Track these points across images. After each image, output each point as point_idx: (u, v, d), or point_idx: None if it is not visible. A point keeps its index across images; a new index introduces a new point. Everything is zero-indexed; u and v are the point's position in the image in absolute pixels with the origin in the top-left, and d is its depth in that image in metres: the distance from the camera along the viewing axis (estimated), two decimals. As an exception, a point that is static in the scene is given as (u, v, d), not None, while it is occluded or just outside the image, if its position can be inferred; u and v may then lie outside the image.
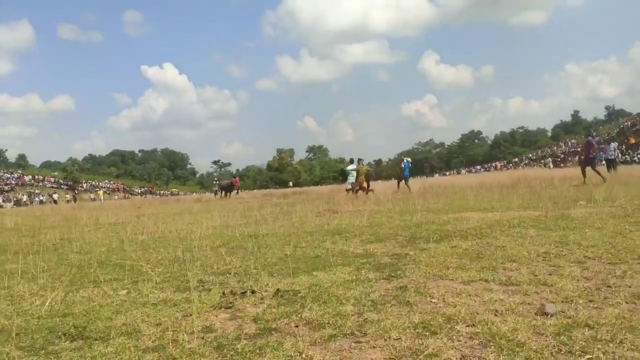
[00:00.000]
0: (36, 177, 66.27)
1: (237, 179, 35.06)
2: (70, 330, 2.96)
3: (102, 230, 10.52)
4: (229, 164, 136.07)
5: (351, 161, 20.27)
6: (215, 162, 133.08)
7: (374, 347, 2.41)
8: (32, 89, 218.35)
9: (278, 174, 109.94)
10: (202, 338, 2.72)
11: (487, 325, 2.60)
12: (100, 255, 6.41)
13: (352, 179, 19.14)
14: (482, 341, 2.39)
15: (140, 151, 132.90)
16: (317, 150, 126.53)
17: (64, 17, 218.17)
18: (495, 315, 2.79)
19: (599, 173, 15.07)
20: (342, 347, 2.44)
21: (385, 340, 2.49)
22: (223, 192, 32.73)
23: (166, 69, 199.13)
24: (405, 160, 21.12)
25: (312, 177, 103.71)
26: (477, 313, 2.81)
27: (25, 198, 51.19)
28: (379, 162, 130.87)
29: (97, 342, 2.79)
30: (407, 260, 4.66)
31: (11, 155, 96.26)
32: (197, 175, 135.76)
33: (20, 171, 69.64)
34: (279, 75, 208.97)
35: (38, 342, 2.82)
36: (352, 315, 2.94)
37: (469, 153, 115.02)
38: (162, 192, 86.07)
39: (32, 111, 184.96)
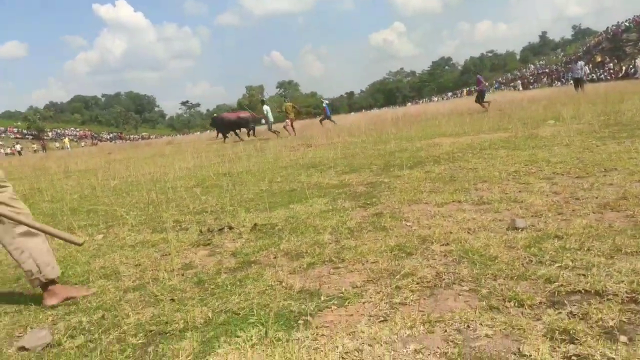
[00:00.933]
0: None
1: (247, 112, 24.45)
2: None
3: (72, 178, 10.27)
4: (199, 105, 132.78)
5: (262, 102, 21.57)
6: (184, 103, 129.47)
7: (352, 272, 2.46)
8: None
9: (251, 111, 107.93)
10: (182, 275, 2.73)
11: (460, 243, 2.68)
12: (72, 202, 6.30)
13: (271, 118, 20.37)
14: (455, 258, 2.46)
15: (103, 96, 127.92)
16: (287, 86, 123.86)
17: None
18: (468, 233, 2.87)
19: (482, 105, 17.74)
20: (321, 273, 2.49)
21: (362, 264, 2.55)
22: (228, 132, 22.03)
23: (119, 6, 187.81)
24: (324, 102, 22.95)
25: (284, 113, 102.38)
26: (451, 232, 2.89)
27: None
28: (350, 94, 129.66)
29: (76, 285, 2.78)
30: (382, 188, 4.71)
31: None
32: (167, 118, 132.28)
33: (-22, 123, 66.58)
34: (240, 8, 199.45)
35: (14, 295, 2.80)
36: (330, 243, 2.99)
37: (440, 80, 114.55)
38: (131, 136, 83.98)
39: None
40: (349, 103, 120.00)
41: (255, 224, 3.67)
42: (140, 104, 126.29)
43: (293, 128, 19.07)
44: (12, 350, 2.01)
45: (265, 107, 20.34)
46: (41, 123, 71.73)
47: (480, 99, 18.13)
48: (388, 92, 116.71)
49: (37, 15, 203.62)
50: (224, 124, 22.00)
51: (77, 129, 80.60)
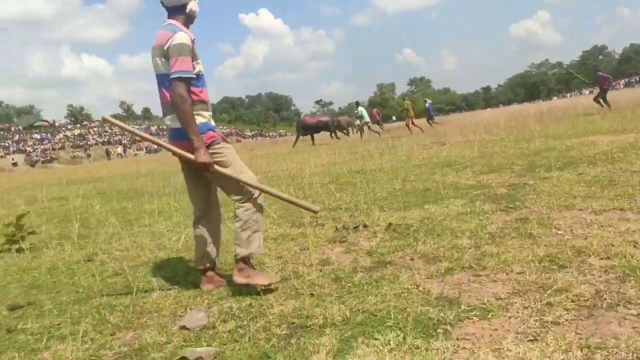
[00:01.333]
0: (160, 127, 72.79)
1: (376, 110, 25.52)
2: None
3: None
4: (331, 103, 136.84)
5: (357, 104, 21.93)
6: (317, 102, 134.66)
7: (494, 281, 2.32)
8: (147, 48, 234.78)
9: (380, 109, 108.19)
10: (320, 270, 2.83)
11: (624, 257, 2.36)
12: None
13: (366, 117, 20.83)
14: (619, 275, 2.18)
15: (247, 97, 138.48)
16: (419, 83, 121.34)
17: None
18: (635, 247, 2.52)
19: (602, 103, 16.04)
20: (461, 280, 2.39)
21: (506, 274, 2.39)
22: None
23: (261, 14, 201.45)
24: (427, 102, 21.88)
25: (416, 110, 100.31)
26: (612, 245, 2.57)
27: (155, 146, 56.54)
28: (487, 89, 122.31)
29: (227, 272, 3.05)
30: (526, 191, 4.36)
31: (137, 109, 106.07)
32: (302, 116, 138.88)
33: (146, 122, 76.76)
34: (373, 8, 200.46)
35: (178, 274, 3.16)
36: (469, 248, 2.86)
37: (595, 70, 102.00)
38: (270, 133, 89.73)
39: (149, 68, 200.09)
40: (485, 98, 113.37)
41: (390, 224, 3.66)
42: (279, 103, 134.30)
43: (415, 125, 18.83)
44: (175, 329, 2.27)
45: (360, 109, 21.04)
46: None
47: (601, 98, 16.24)
48: (530, 86, 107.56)
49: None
50: (303, 127, 23.15)
51: (225, 127, 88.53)
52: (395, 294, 2.30)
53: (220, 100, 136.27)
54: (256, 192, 2.61)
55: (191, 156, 2.44)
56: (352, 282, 2.54)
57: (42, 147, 50.85)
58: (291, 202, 2.81)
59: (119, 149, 49.34)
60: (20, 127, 59.62)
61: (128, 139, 58.61)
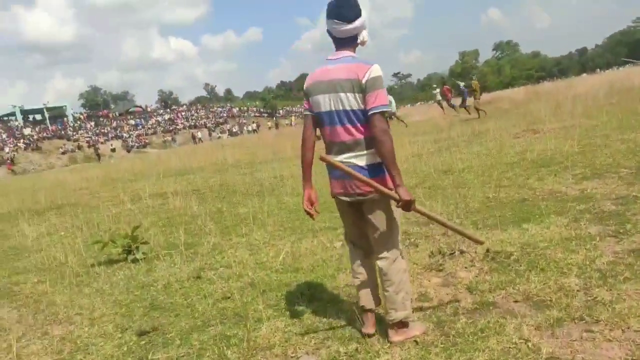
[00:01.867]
0: (242, 108, 75.43)
1: (446, 87, 26.05)
2: (305, 291, 3.44)
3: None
4: (410, 75, 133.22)
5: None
6: (395, 75, 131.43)
7: (609, 340, 2.23)
8: (228, 26, 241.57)
9: (462, 80, 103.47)
10: (421, 309, 2.87)
11: None
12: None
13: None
14: None
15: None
16: (505, 47, 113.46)
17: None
18: None
19: None
20: (571, 335, 2.33)
21: (622, 331, 2.28)
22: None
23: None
24: (461, 85, 21.10)
25: (502, 79, 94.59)
26: None
27: (236, 128, 58.88)
28: (582, 51, 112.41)
29: (329, 305, 3.18)
30: (637, 208, 4.06)
31: (220, 90, 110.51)
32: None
33: (229, 104, 79.91)
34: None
35: (282, 302, 3.35)
36: (578, 291, 2.74)
37: None
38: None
39: (230, 47, 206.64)
40: (581, 61, 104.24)
41: (488, 250, 3.59)
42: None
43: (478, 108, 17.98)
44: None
45: (389, 97, 20.52)
46: (274, 102, 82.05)
47: None
48: (634, 45, 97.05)
49: (269, 1, 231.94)
50: None
51: (301, 106, 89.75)
52: (503, 349, 2.29)
53: (298, 77, 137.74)
54: (404, 250, 2.63)
55: (392, 194, 2.33)
56: (456, 329, 2.56)
57: (136, 132, 54.79)
58: (458, 232, 2.73)
59: (199, 134, 51.78)
60: (117, 114, 64.50)
61: (212, 122, 61.37)
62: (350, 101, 2.33)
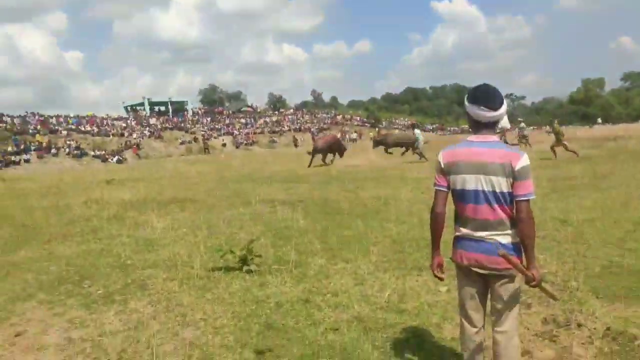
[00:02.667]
0: (345, 116, 76.68)
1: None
2: (411, 338, 3.54)
3: (409, 187, 11.47)
4: (523, 97, 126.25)
5: (413, 127, 24.36)
6: (507, 96, 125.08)
7: None
8: (339, 37, 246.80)
9: (583, 107, 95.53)
10: (532, 383, 2.84)
11: None
12: (412, 229, 7.14)
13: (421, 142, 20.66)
14: None
15: (430, 88, 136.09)
16: (635, 77, 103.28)
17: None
18: None
19: None
20: None
21: None
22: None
23: (455, 1, 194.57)
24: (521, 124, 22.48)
25: (629, 111, 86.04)
26: None
27: (339, 136, 59.88)
28: None
29: (434, 359, 3.25)
30: None
31: (325, 97, 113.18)
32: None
33: (333, 111, 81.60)
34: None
35: (388, 345, 3.48)
36: None
37: None
38: (452, 128, 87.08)
39: (339, 56, 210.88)
40: None
41: (609, 329, 3.41)
42: (464, 96, 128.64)
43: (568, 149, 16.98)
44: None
45: (417, 131, 21.33)
46: (377, 113, 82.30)
47: None
48: None
49: (385, 14, 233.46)
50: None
51: (406, 119, 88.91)
52: None
53: (404, 90, 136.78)
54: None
55: (529, 273, 2.47)
56: (571, 415, 2.51)
57: (245, 130, 58.04)
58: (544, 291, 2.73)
59: (301, 138, 53.38)
60: (230, 111, 68.84)
61: (316, 127, 63.11)
62: (502, 184, 2.48)
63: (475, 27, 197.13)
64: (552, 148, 17.28)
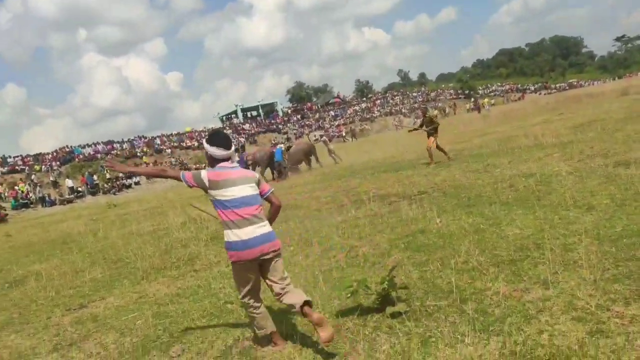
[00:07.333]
0: (437, 91, 72.37)
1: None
2: None
3: (556, 155, 8.94)
4: (639, 37, 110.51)
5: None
6: (618, 39, 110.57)
7: None
8: (420, 10, 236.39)
9: None
10: None
11: None
12: (613, 217, 4.88)
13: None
14: None
15: (527, 45, 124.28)
16: None
17: None
18: None
19: None
20: None
21: None
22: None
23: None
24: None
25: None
26: None
27: (435, 112, 56.31)
28: None
29: None
30: None
31: (413, 75, 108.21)
32: (596, 59, 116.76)
33: (423, 88, 77.42)
34: None
35: None
36: None
37: None
38: (558, 85, 78.43)
39: (423, 30, 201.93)
40: None
41: None
42: (566, 47, 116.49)
43: (434, 151, 12.30)
44: None
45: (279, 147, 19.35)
46: (471, 82, 76.53)
47: None
48: None
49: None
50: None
51: (503, 84, 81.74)
52: None
53: (496, 53, 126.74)
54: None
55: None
56: None
57: (336, 122, 56.71)
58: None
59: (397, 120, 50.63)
60: (319, 106, 67.99)
61: (407, 108, 60.01)
62: (252, 189, 3.42)
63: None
64: (430, 149, 12.31)
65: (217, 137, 3.48)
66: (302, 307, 3.19)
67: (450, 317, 3.40)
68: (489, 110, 42.20)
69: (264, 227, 3.30)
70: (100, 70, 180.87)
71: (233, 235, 3.23)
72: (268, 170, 20.33)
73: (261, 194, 3.42)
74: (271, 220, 3.50)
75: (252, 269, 3.31)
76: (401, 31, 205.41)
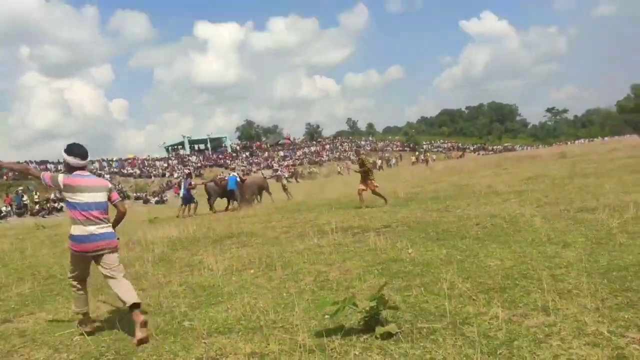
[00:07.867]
0: (385, 142, 74.59)
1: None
2: None
3: (513, 201, 9.09)
4: (566, 111, 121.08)
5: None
6: (549, 110, 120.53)
7: None
8: (369, 65, 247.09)
9: (635, 115, 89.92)
10: None
11: None
12: (593, 251, 4.83)
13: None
14: None
15: (466, 108, 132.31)
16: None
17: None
18: None
19: None
20: None
21: None
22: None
23: (484, 18, 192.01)
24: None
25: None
26: None
27: (379, 162, 57.70)
28: None
29: None
30: None
31: (361, 125, 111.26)
32: (529, 127, 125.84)
33: (370, 138, 79.61)
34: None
35: None
36: None
37: None
38: (495, 147, 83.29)
39: (371, 85, 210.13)
40: None
41: None
42: (502, 113, 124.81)
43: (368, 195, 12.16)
44: None
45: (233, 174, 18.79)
46: (417, 136, 79.72)
47: None
48: None
49: (413, 38, 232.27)
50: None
51: (445, 141, 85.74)
52: None
53: (439, 112, 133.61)
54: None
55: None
56: None
57: (285, 163, 56.64)
58: None
59: (340, 167, 51.35)
60: (268, 145, 67.89)
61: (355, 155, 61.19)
62: (103, 196, 4.03)
63: (507, 43, 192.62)
64: (360, 192, 12.11)
65: (75, 148, 4.00)
66: (131, 307, 3.70)
67: (449, 339, 3.06)
68: (434, 163, 43.72)
69: (104, 228, 3.90)
70: (41, 90, 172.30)
71: (77, 230, 3.83)
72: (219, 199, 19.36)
73: (110, 201, 4.04)
74: (115, 223, 4.10)
75: (86, 260, 3.95)
76: (351, 83, 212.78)
